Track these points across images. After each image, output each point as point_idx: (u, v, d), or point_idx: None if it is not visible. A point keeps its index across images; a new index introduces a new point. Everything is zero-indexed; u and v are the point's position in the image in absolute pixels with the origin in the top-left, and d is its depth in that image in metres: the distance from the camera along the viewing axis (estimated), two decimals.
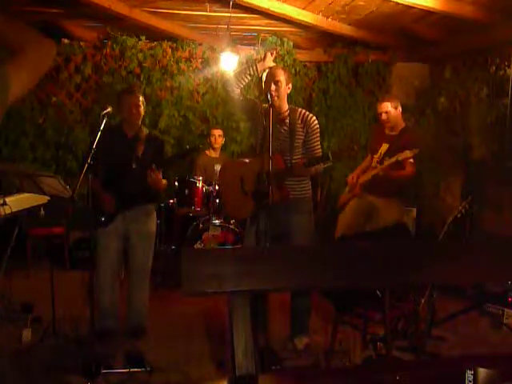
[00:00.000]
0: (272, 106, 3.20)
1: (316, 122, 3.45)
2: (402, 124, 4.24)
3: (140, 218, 3.58)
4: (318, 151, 3.43)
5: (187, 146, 4.46)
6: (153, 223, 3.67)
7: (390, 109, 4.18)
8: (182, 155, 3.70)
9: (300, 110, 3.48)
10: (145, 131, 3.67)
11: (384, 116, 4.20)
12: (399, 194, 4.21)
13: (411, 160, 3.99)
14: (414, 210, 5.52)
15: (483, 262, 2.04)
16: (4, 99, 1.33)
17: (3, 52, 1.38)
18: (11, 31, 1.39)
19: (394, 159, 3.92)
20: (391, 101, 4.22)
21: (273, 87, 3.33)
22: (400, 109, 4.23)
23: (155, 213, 3.74)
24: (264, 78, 3.43)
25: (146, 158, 3.50)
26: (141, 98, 3.56)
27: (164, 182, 3.55)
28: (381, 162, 4.14)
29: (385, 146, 4.20)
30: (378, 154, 4.18)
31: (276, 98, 3.32)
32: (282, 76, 3.36)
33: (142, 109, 3.56)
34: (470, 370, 1.38)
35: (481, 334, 3.85)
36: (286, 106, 3.46)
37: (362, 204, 4.31)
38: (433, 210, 5.80)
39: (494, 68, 5.29)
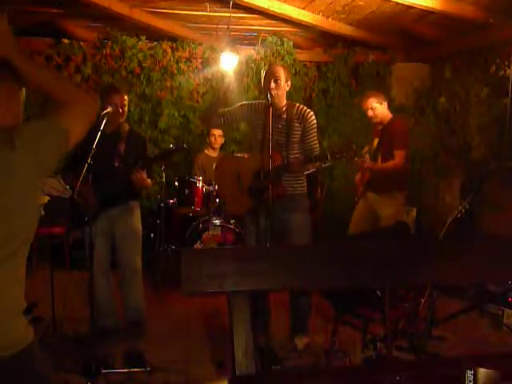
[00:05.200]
0: (271, 104, 3.20)
1: (313, 117, 3.44)
2: (388, 116, 4.25)
3: (124, 216, 3.55)
4: (316, 147, 3.43)
5: (171, 146, 4.45)
6: (137, 220, 3.64)
7: (375, 105, 4.20)
8: (165, 155, 3.66)
9: (298, 105, 3.47)
10: (127, 127, 3.62)
11: (370, 112, 4.23)
12: (397, 189, 4.24)
13: (402, 152, 4.07)
14: (414, 209, 5.53)
15: (483, 261, 2.04)
16: (65, 145, 1.52)
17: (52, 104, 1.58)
18: (60, 85, 1.60)
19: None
20: (376, 96, 4.22)
21: (272, 85, 3.32)
22: (386, 104, 4.24)
23: (139, 209, 3.70)
24: (263, 76, 3.42)
25: (128, 156, 3.45)
26: (126, 98, 3.53)
27: (149, 181, 3.51)
28: (374, 157, 4.21)
29: (376, 141, 4.27)
30: (366, 149, 4.21)
31: (275, 95, 3.32)
32: (281, 73, 3.36)
33: (126, 107, 3.52)
34: (470, 369, 1.38)
35: (481, 334, 3.85)
36: (284, 102, 3.46)
37: (366, 203, 4.37)
38: (433, 209, 5.80)
39: (494, 68, 5.29)
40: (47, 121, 1.53)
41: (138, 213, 3.67)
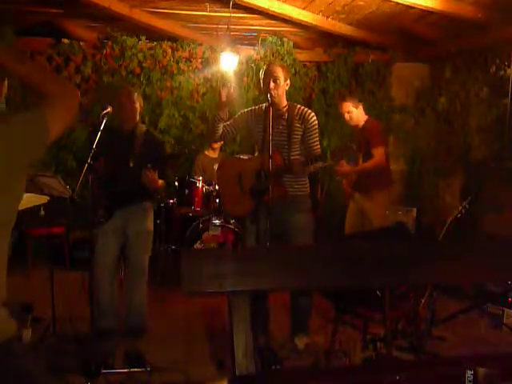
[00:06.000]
0: (271, 104, 3.20)
1: (315, 118, 3.44)
2: (364, 119, 4.41)
3: (138, 216, 3.57)
4: (317, 148, 3.43)
5: (182, 148, 4.46)
6: (151, 221, 3.65)
7: (351, 108, 4.34)
8: (177, 155, 3.68)
9: (299, 106, 3.47)
10: (143, 128, 3.65)
11: (347, 116, 4.38)
12: (378, 186, 4.35)
13: (380, 149, 4.21)
14: (414, 209, 5.53)
15: (483, 261, 2.04)
16: (45, 138, 1.51)
17: (35, 97, 1.57)
18: (42, 78, 1.58)
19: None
20: (351, 100, 4.37)
21: (271, 85, 3.32)
22: (361, 107, 4.39)
23: (153, 211, 3.72)
24: (262, 76, 3.42)
25: (143, 155, 3.46)
26: (135, 95, 3.54)
27: (160, 182, 3.52)
28: (355, 159, 4.36)
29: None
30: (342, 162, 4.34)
31: (275, 95, 3.31)
32: (280, 73, 3.35)
33: (137, 105, 3.54)
34: (470, 370, 1.38)
35: (481, 334, 3.85)
36: (284, 102, 3.45)
37: (355, 204, 4.50)
38: (433, 209, 5.80)
39: (494, 68, 5.29)
40: (30, 114, 1.54)
41: (151, 213, 3.68)
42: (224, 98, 3.32)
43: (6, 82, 1.60)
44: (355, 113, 4.36)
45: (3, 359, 1.44)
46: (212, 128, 3.51)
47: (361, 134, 4.34)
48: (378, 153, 4.22)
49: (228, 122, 3.49)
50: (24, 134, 1.49)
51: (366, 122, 4.40)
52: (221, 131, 3.48)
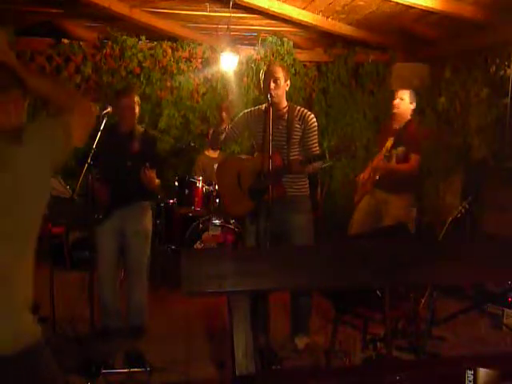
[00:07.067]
0: (272, 104, 3.20)
1: (314, 119, 3.45)
2: (407, 118, 4.25)
3: (136, 216, 3.58)
4: (316, 149, 3.44)
5: (180, 145, 4.45)
6: (149, 221, 3.67)
7: (406, 97, 4.19)
8: (175, 154, 3.71)
9: (299, 107, 3.49)
10: (140, 129, 3.69)
11: (398, 101, 4.21)
12: (408, 189, 4.23)
13: (417, 156, 4.07)
14: (414, 209, 5.52)
15: (483, 261, 2.04)
16: (69, 143, 1.63)
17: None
18: (62, 95, 1.69)
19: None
20: (412, 94, 4.24)
21: (272, 85, 3.33)
22: (413, 106, 4.24)
23: (151, 210, 3.73)
24: (262, 77, 3.43)
25: (140, 156, 3.50)
26: (136, 99, 3.58)
27: (157, 181, 3.54)
28: (388, 156, 4.18)
29: (390, 141, 4.21)
30: (385, 149, 4.20)
31: (275, 95, 3.32)
32: (280, 73, 3.37)
33: (136, 110, 3.59)
34: (470, 370, 1.38)
35: (481, 334, 3.85)
36: (284, 103, 3.46)
37: (373, 201, 4.31)
38: (433, 209, 5.80)
39: (494, 68, 5.29)
40: (52, 118, 1.63)
41: (149, 213, 3.70)
42: (224, 116, 3.35)
43: (26, 103, 1.64)
44: (406, 104, 4.19)
45: (31, 362, 1.45)
46: (214, 139, 3.57)
47: (400, 134, 4.17)
48: (415, 159, 4.09)
49: (230, 127, 3.51)
50: (51, 135, 1.57)
51: (409, 123, 4.22)
52: (223, 138, 3.52)
